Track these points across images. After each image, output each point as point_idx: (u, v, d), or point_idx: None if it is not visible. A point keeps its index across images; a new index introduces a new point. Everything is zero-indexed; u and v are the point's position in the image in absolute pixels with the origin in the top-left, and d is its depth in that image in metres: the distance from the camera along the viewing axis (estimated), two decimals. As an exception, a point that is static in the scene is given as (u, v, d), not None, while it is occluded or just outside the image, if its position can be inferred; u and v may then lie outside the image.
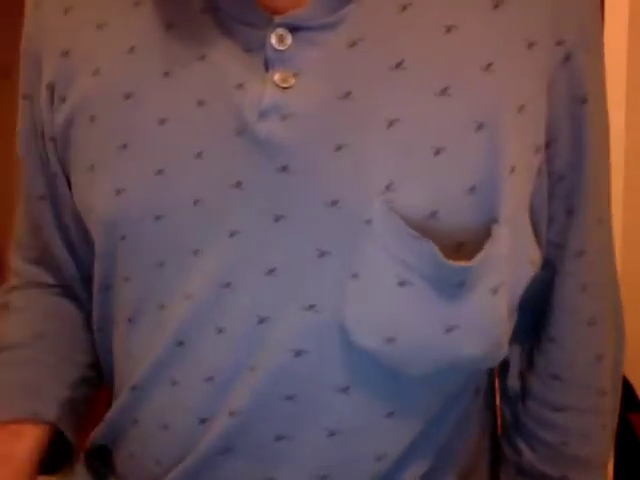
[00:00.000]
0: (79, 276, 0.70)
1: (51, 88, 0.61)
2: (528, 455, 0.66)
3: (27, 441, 0.63)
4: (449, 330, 0.53)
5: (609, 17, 1.47)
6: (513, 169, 0.53)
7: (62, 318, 0.71)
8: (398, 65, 0.52)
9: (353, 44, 0.53)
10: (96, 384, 0.72)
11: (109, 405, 0.66)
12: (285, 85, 0.53)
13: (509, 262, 0.55)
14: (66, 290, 0.72)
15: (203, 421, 0.58)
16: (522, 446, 0.66)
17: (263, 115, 0.53)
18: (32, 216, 0.70)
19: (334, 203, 0.52)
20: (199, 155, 0.54)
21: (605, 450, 0.68)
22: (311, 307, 0.54)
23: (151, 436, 0.61)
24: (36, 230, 0.70)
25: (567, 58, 0.56)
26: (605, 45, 1.69)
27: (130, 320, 0.60)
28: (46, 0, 0.63)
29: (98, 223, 0.60)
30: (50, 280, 0.72)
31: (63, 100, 0.61)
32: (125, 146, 0.57)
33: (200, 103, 0.55)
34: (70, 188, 0.64)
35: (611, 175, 1.71)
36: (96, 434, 0.68)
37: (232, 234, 0.54)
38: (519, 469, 0.67)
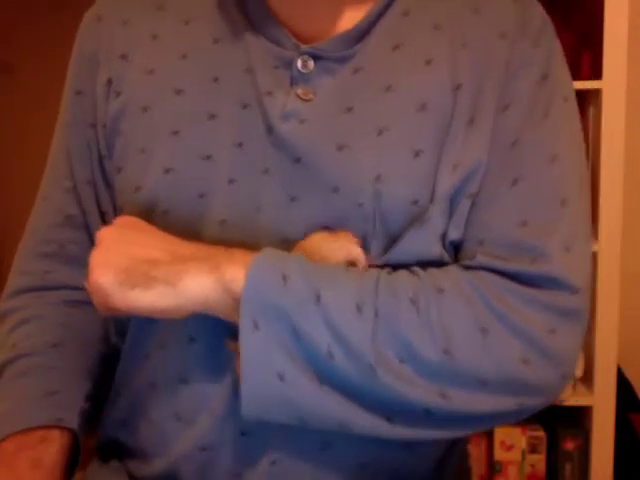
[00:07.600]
0: None
1: (109, 83, 0.72)
2: None
3: (55, 446, 0.66)
4: None
5: (609, 17, 1.47)
6: (455, 167, 0.66)
7: (75, 330, 0.74)
8: (388, 88, 0.67)
9: (356, 71, 0.68)
10: (99, 405, 0.74)
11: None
12: (305, 98, 0.67)
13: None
14: (79, 294, 0.74)
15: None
16: None
17: (286, 117, 0.66)
18: (67, 205, 0.75)
19: (335, 190, 0.65)
20: (240, 145, 0.67)
21: None
22: None
23: (170, 393, 0.67)
24: (68, 220, 0.74)
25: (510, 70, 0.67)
26: (605, 46, 1.68)
27: None
28: (107, 14, 0.75)
29: (144, 198, 0.68)
30: (65, 279, 0.75)
31: (118, 94, 0.71)
32: (176, 133, 0.68)
33: (243, 105, 0.68)
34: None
35: (611, 175, 1.71)
36: (104, 427, 0.73)
37: (257, 209, 0.66)
38: None
